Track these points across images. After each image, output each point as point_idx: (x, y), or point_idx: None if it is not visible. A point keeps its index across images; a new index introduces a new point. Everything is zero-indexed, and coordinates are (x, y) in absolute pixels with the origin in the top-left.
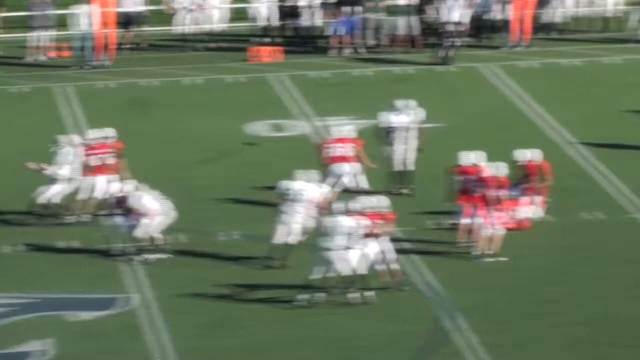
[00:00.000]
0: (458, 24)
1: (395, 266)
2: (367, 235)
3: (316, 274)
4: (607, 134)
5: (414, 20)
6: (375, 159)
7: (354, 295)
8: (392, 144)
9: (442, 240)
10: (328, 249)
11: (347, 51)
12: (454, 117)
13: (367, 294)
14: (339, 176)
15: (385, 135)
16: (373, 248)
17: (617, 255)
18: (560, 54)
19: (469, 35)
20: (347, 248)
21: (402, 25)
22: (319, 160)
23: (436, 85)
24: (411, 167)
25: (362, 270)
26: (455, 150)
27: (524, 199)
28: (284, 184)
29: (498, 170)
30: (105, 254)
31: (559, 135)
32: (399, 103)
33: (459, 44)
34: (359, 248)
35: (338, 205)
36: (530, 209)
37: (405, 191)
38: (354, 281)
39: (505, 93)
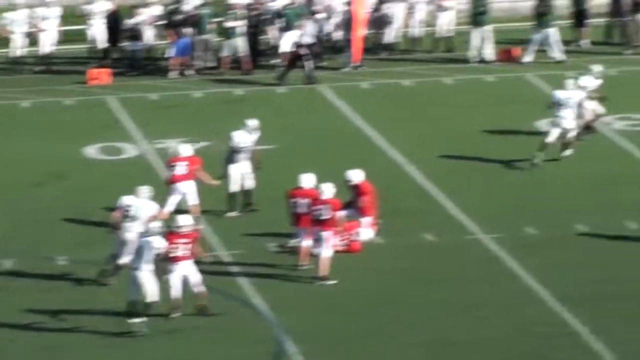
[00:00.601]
0: (313, 44)
1: (200, 289)
2: (177, 257)
3: (132, 296)
4: (443, 154)
5: (244, 41)
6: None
7: (139, 321)
8: (236, 164)
9: (276, 263)
10: (138, 270)
11: (188, 72)
12: (287, 138)
13: (134, 320)
14: (182, 194)
15: (232, 155)
16: (183, 270)
17: (454, 276)
18: (392, 74)
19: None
20: (156, 269)
21: (235, 47)
22: (165, 179)
23: (269, 106)
24: (250, 186)
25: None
26: (288, 171)
27: (357, 221)
28: (125, 200)
29: (327, 191)
30: None
31: (394, 155)
32: (251, 123)
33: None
34: (171, 270)
35: (152, 225)
36: (363, 230)
37: (240, 211)
38: (177, 305)
39: (339, 114)
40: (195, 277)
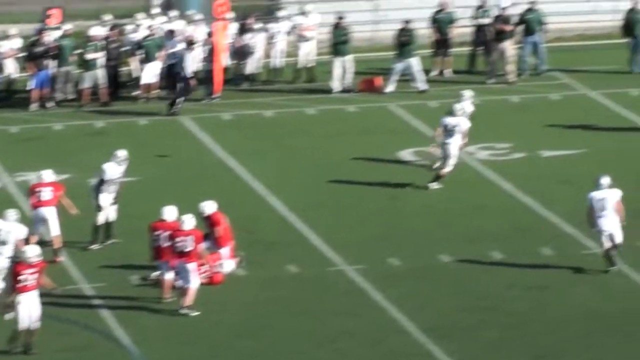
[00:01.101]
0: (192, 77)
1: (37, 325)
2: (25, 288)
3: None
4: (306, 185)
5: (104, 73)
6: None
7: None
8: (104, 195)
9: (138, 296)
10: None
11: (49, 105)
12: (149, 170)
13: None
14: (45, 220)
15: (101, 186)
16: (29, 300)
17: (317, 308)
18: (254, 105)
19: (164, 88)
20: None
21: (96, 78)
22: (29, 204)
23: (130, 138)
24: (113, 218)
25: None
26: (150, 203)
27: (217, 252)
28: None
29: (188, 222)
30: None
31: (256, 187)
32: (120, 153)
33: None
34: (17, 302)
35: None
36: (224, 262)
37: (101, 244)
38: (20, 337)
39: (200, 145)
40: (36, 311)
